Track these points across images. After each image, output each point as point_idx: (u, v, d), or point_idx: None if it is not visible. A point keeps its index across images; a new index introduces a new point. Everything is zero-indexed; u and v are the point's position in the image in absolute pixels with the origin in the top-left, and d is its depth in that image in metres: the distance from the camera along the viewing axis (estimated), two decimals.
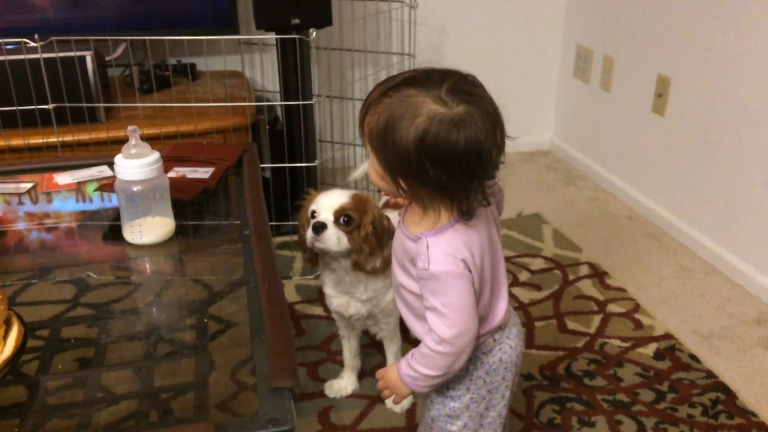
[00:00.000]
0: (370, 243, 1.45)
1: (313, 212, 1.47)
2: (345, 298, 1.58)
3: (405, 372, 1.13)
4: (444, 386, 1.19)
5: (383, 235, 1.47)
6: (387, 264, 1.47)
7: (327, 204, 1.45)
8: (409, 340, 1.93)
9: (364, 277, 1.53)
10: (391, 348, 1.70)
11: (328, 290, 1.60)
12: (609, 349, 1.93)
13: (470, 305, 1.06)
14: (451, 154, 0.96)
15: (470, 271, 1.04)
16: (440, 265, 1.03)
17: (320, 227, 1.43)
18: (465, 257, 1.03)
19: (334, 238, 1.43)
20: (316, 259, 1.55)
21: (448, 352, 1.07)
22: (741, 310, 2.11)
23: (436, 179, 0.98)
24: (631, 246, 2.49)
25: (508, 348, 1.19)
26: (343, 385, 1.77)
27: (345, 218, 1.44)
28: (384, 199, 1.91)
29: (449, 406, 1.20)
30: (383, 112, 0.98)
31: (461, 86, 0.97)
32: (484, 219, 1.08)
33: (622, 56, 2.76)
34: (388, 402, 1.72)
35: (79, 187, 1.43)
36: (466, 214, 1.03)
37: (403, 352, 1.75)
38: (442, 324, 1.05)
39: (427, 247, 1.03)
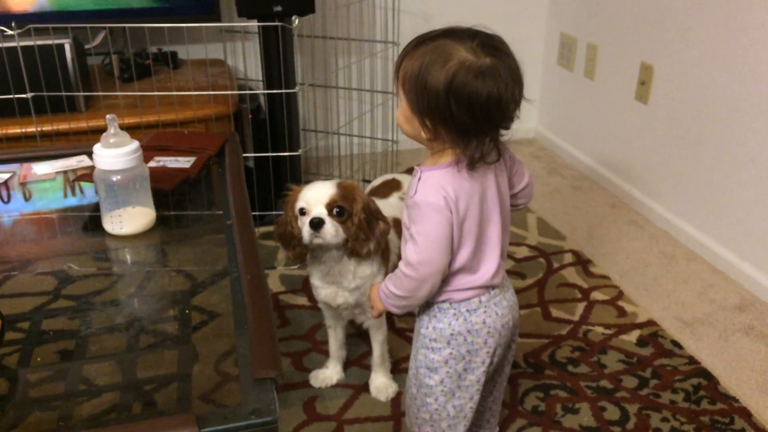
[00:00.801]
0: (364, 228, 1.45)
1: (303, 209, 1.44)
2: (333, 288, 1.58)
3: (381, 288, 1.26)
4: (427, 338, 1.25)
5: (373, 217, 1.48)
6: (379, 245, 1.49)
7: (316, 198, 1.43)
8: (395, 329, 1.93)
9: (352, 266, 1.53)
10: (377, 337, 1.70)
11: (316, 281, 1.59)
12: (593, 337, 1.94)
13: (440, 239, 1.13)
14: (475, 98, 1.04)
15: (450, 211, 1.12)
16: (423, 195, 1.12)
17: (319, 223, 1.41)
18: (447, 195, 1.11)
19: (333, 231, 1.42)
20: (304, 254, 1.53)
21: (411, 275, 1.16)
22: (723, 297, 2.13)
23: (459, 120, 1.06)
24: (615, 234, 2.51)
25: (494, 314, 1.23)
26: (328, 374, 1.77)
27: (338, 209, 1.42)
28: (370, 186, 1.90)
29: (429, 357, 1.25)
30: (419, 57, 1.07)
31: (490, 42, 1.08)
32: (484, 176, 1.15)
33: (605, 44, 2.76)
34: (373, 391, 1.73)
35: (58, 177, 1.41)
36: (472, 162, 1.11)
37: (390, 341, 1.76)
38: (412, 249, 1.15)
39: (419, 179, 1.13)
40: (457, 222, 1.13)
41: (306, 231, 1.42)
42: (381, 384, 1.73)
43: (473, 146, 1.09)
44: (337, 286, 1.57)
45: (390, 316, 1.76)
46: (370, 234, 1.46)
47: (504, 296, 1.25)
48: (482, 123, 1.07)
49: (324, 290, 1.59)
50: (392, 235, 1.58)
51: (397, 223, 1.59)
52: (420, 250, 1.14)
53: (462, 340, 1.23)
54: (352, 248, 1.46)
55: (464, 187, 1.13)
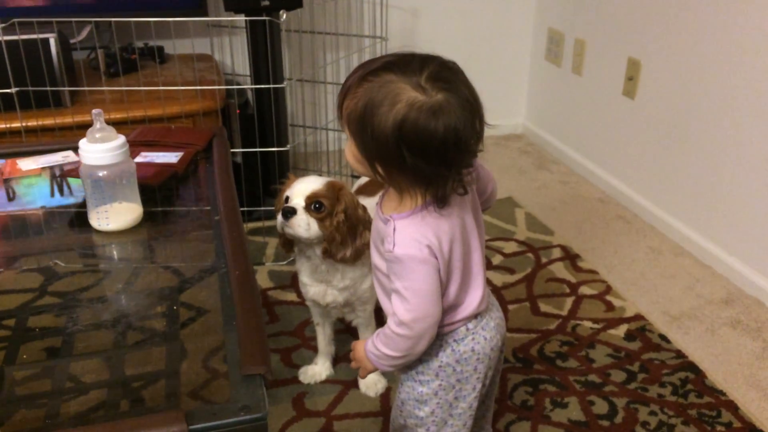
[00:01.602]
0: (342, 231, 1.43)
1: (287, 197, 1.45)
2: (322, 286, 1.57)
3: (369, 350, 1.15)
4: (414, 370, 1.19)
5: (357, 224, 1.46)
6: (357, 254, 1.46)
7: (300, 190, 1.44)
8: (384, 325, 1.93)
9: (341, 266, 1.52)
10: (366, 335, 1.70)
11: (305, 278, 1.59)
12: (581, 331, 1.94)
13: (432, 291, 1.05)
14: (429, 142, 0.95)
15: (436, 257, 1.04)
16: (404, 248, 1.03)
17: (290, 212, 1.41)
18: (431, 243, 1.03)
19: (304, 224, 1.42)
20: (290, 245, 1.53)
21: (407, 335, 1.08)
22: (710, 291, 2.15)
23: (414, 166, 0.97)
24: (603, 229, 2.51)
25: (482, 339, 1.17)
26: (318, 370, 1.77)
27: (316, 204, 1.42)
28: (357, 184, 1.90)
29: (417, 390, 1.20)
30: (362, 98, 0.97)
31: (441, 74, 0.97)
32: (459, 207, 1.08)
33: (593, 39, 2.77)
34: (362, 386, 1.72)
35: (43, 173, 1.40)
36: (440, 201, 1.03)
37: None
38: (402, 307, 1.06)
39: (394, 230, 1.04)
40: (444, 265, 1.05)
41: (278, 219, 1.44)
42: (370, 380, 1.73)
43: (433, 188, 1.01)
44: (326, 285, 1.56)
45: (379, 314, 1.75)
46: (349, 239, 1.44)
47: (490, 317, 1.19)
48: (439, 167, 0.98)
49: (313, 288, 1.58)
50: None
51: None
52: (412, 307, 1.05)
53: (451, 371, 1.17)
54: (325, 248, 1.45)
55: (443, 227, 1.04)
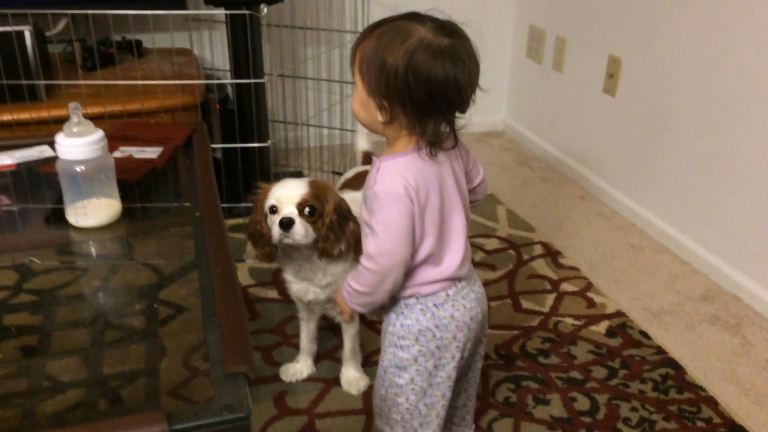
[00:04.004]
0: (335, 230, 1.44)
1: (273, 207, 1.42)
2: (305, 284, 1.57)
3: (344, 288, 1.23)
4: (395, 336, 1.23)
5: (346, 218, 1.46)
6: (350, 245, 1.47)
7: (287, 196, 1.41)
8: (366, 322, 1.92)
9: (323, 264, 1.51)
10: (348, 331, 1.69)
11: (288, 276, 1.58)
12: (562, 328, 1.95)
13: (402, 228, 1.11)
14: (434, 76, 1.04)
15: (411, 201, 1.10)
16: (383, 185, 1.10)
17: (288, 223, 1.39)
18: (408, 184, 1.10)
19: (303, 232, 1.40)
20: (273, 253, 1.51)
21: (373, 269, 1.14)
22: (689, 288, 2.16)
23: (417, 99, 1.05)
24: (584, 225, 2.52)
25: (462, 307, 1.21)
26: (299, 368, 1.76)
27: (309, 209, 1.41)
28: (344, 178, 1.89)
29: (398, 355, 1.23)
30: (376, 38, 1.07)
31: (448, 25, 1.08)
32: (444, 166, 1.14)
33: (574, 37, 2.78)
34: (345, 384, 1.72)
35: (19, 168, 1.37)
36: (432, 144, 1.10)
37: (361, 335, 1.74)
38: (372, 241, 1.13)
39: (378, 169, 1.12)
40: (419, 211, 1.12)
41: (276, 231, 1.40)
42: (352, 377, 1.72)
43: (430, 129, 1.09)
44: (308, 283, 1.56)
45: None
46: (341, 234, 1.45)
47: (472, 289, 1.24)
48: (440, 102, 1.07)
49: (296, 285, 1.58)
50: None
51: None
52: (381, 241, 1.12)
53: (431, 335, 1.21)
54: (322, 249, 1.45)
55: (424, 175, 1.12)
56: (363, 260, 1.15)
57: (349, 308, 1.24)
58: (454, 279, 1.20)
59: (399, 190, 1.09)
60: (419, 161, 1.11)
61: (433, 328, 1.20)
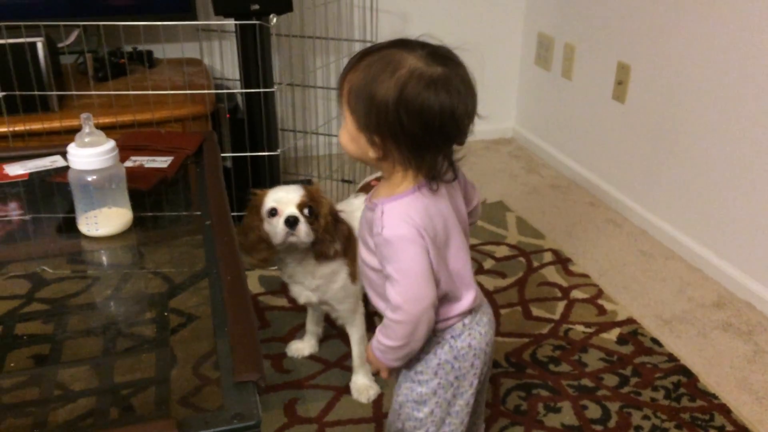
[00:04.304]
0: (330, 231, 1.50)
1: (273, 210, 1.47)
2: (298, 287, 1.63)
3: (375, 346, 1.15)
4: (412, 370, 1.19)
5: (337, 220, 1.53)
6: (342, 246, 1.54)
7: (287, 198, 1.47)
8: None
9: (311, 266, 1.56)
10: (354, 336, 1.71)
11: (286, 279, 1.65)
12: (573, 335, 1.94)
13: (423, 271, 1.05)
14: (427, 109, 0.98)
15: (423, 237, 1.04)
16: (393, 229, 1.04)
17: (294, 221, 1.45)
18: (417, 224, 1.04)
19: (306, 230, 1.46)
20: (273, 257, 1.55)
21: (403, 320, 1.07)
22: (700, 294, 2.15)
23: (411, 134, 0.99)
24: (594, 232, 2.52)
25: (478, 334, 1.18)
26: (301, 347, 1.84)
27: (308, 210, 1.47)
28: (364, 182, 1.91)
29: (416, 391, 1.19)
30: (365, 69, 1.00)
31: (440, 52, 1.01)
32: (445, 200, 1.09)
33: (582, 44, 2.78)
34: (354, 392, 1.71)
35: (31, 178, 1.38)
36: (431, 178, 1.05)
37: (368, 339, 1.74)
38: (395, 291, 1.06)
39: (382, 213, 1.05)
40: (432, 247, 1.06)
41: (281, 229, 1.45)
42: (362, 385, 1.72)
43: (426, 164, 1.03)
44: (301, 286, 1.62)
45: (367, 314, 1.75)
46: (335, 235, 1.51)
47: (483, 312, 1.20)
48: (435, 136, 1.00)
49: (293, 288, 1.65)
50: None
51: None
52: (404, 289, 1.05)
53: (450, 368, 1.17)
54: (319, 250, 1.51)
55: (429, 213, 1.06)
56: (390, 314, 1.08)
57: (384, 365, 1.16)
58: (470, 311, 1.17)
59: (411, 232, 1.03)
60: (422, 199, 1.05)
61: (452, 360, 1.17)
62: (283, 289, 2.10)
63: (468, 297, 1.15)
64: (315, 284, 1.59)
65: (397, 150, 1.02)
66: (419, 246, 1.04)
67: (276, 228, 1.46)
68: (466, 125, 1.02)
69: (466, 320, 1.17)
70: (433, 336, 1.15)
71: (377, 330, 1.14)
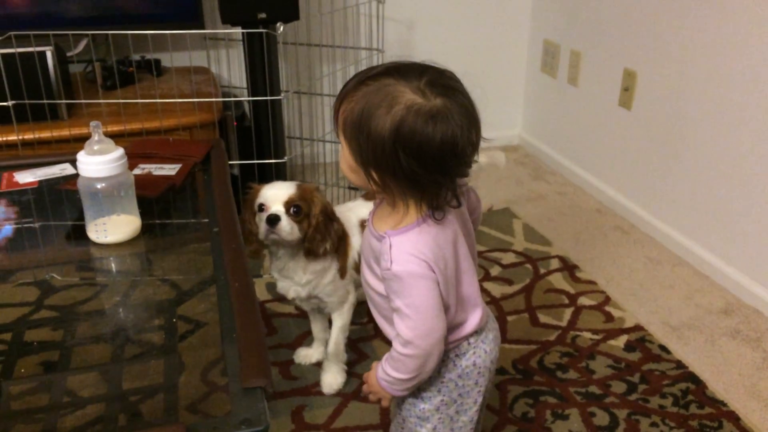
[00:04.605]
0: (321, 230, 1.53)
1: (261, 205, 1.51)
2: (287, 282, 1.65)
3: (380, 377, 1.12)
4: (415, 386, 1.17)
5: (330, 220, 1.55)
6: (333, 244, 1.56)
7: (275, 196, 1.50)
8: (379, 333, 1.92)
9: (303, 263, 1.58)
10: (336, 322, 1.73)
11: (275, 274, 1.66)
12: (581, 342, 1.94)
13: (434, 306, 1.03)
14: (426, 146, 0.93)
15: (433, 271, 1.02)
16: (402, 265, 1.01)
17: (275, 219, 1.48)
18: (427, 258, 1.01)
19: (288, 229, 1.49)
20: (260, 250, 1.59)
21: (414, 354, 1.05)
22: (709, 301, 2.14)
23: (410, 171, 0.95)
24: (601, 239, 2.51)
25: (483, 353, 1.16)
26: (310, 353, 1.85)
27: (295, 209, 1.50)
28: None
29: (419, 407, 1.18)
30: (359, 101, 0.95)
31: (440, 80, 0.96)
32: (452, 225, 1.06)
33: (588, 51, 2.78)
34: (324, 381, 1.74)
35: (40, 186, 1.39)
36: (436, 210, 1.02)
37: (378, 347, 1.75)
38: (405, 326, 1.04)
39: (390, 246, 1.01)
40: (442, 278, 1.03)
41: (263, 227, 1.49)
42: (330, 376, 1.75)
43: (428, 197, 1.00)
44: (290, 281, 1.64)
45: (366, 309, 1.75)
46: (326, 234, 1.54)
47: (488, 329, 1.18)
48: (435, 174, 0.96)
49: (280, 283, 1.67)
50: (357, 234, 1.66)
51: (362, 223, 1.67)
52: (415, 324, 1.03)
53: (453, 385, 1.16)
54: (308, 248, 1.54)
55: (438, 243, 1.03)
56: (400, 348, 1.05)
57: (389, 394, 1.14)
58: (476, 331, 1.15)
59: (422, 267, 1.00)
60: (429, 230, 1.02)
61: (456, 378, 1.16)
62: None
63: (474, 318, 1.13)
64: (306, 279, 1.61)
65: (397, 186, 0.99)
66: (430, 280, 1.02)
67: (260, 224, 1.50)
68: (469, 155, 0.98)
69: (472, 339, 1.15)
70: None
71: (384, 361, 1.11)
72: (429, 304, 1.03)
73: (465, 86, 0.99)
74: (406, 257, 1.00)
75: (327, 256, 1.59)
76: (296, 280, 1.62)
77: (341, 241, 1.61)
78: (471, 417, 1.20)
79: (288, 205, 1.49)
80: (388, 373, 1.10)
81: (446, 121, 0.93)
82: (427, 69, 0.96)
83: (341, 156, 1.03)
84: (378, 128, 0.93)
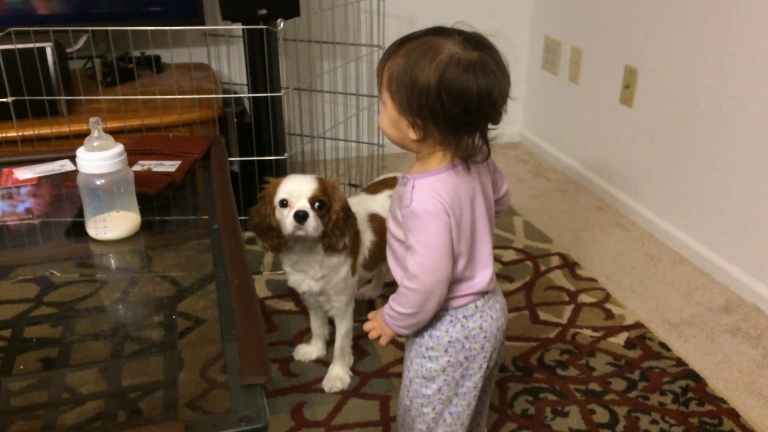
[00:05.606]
0: (340, 226, 1.52)
1: (284, 200, 1.48)
2: (300, 275, 1.63)
3: (386, 311, 1.19)
4: (423, 347, 1.22)
5: (348, 215, 1.55)
6: (351, 239, 1.57)
7: (299, 191, 1.48)
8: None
9: (320, 257, 1.58)
10: (340, 329, 1.74)
11: (287, 268, 1.65)
12: (581, 339, 1.94)
13: (443, 246, 1.10)
14: (467, 91, 1.03)
15: (448, 215, 1.09)
16: (420, 203, 1.09)
17: (303, 216, 1.46)
18: (444, 200, 1.09)
19: (315, 224, 1.47)
20: (282, 245, 1.57)
21: (417, 288, 1.12)
22: (709, 299, 2.14)
23: (451, 114, 1.04)
24: (601, 236, 2.51)
25: (490, 318, 1.21)
26: (309, 350, 1.85)
27: (319, 204, 1.48)
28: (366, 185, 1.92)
29: (426, 366, 1.22)
30: (405, 55, 1.05)
31: (475, 37, 1.07)
32: (475, 181, 1.14)
33: (589, 47, 2.77)
34: (325, 381, 1.74)
35: (40, 182, 1.39)
36: (466, 157, 1.09)
37: (355, 333, 1.75)
38: (414, 260, 1.11)
39: (413, 187, 1.10)
40: (455, 226, 1.11)
41: (290, 222, 1.47)
42: (334, 375, 1.76)
43: (464, 144, 1.08)
44: (303, 275, 1.62)
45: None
46: (345, 230, 1.54)
47: (496, 299, 1.24)
48: (474, 116, 1.05)
49: (293, 276, 1.65)
50: (366, 230, 1.67)
51: (374, 219, 1.69)
52: (422, 260, 1.10)
53: (460, 347, 1.21)
54: (329, 244, 1.53)
55: (458, 192, 1.11)
56: (405, 281, 1.14)
57: (390, 332, 1.21)
58: (483, 292, 1.21)
59: (437, 206, 1.09)
60: (454, 178, 1.11)
61: (463, 339, 1.20)
62: (290, 292, 2.11)
63: (484, 277, 1.19)
64: (321, 274, 1.60)
65: (438, 131, 1.07)
66: (443, 222, 1.09)
67: (285, 220, 1.47)
68: (501, 105, 1.07)
69: (479, 302, 1.21)
70: (446, 314, 1.20)
71: (391, 298, 1.19)
72: (438, 242, 1.10)
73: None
74: (425, 197, 1.09)
75: (343, 252, 1.58)
76: (311, 274, 1.61)
77: (356, 236, 1.61)
78: (475, 383, 1.24)
79: (312, 200, 1.47)
80: (392, 308, 1.17)
81: (483, 70, 1.04)
82: (461, 30, 1.08)
83: (382, 114, 1.12)
84: (424, 75, 1.03)
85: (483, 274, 1.19)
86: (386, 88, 1.08)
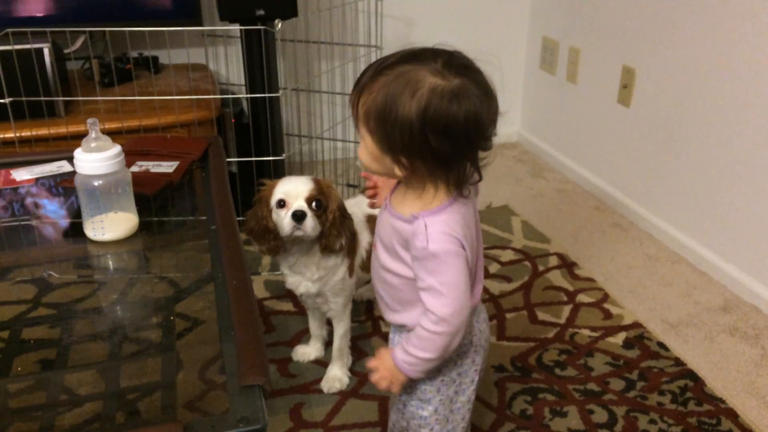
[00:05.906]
0: (337, 226, 1.52)
1: (282, 201, 1.49)
2: (297, 277, 1.64)
3: (402, 358, 1.11)
4: None
5: (344, 216, 1.55)
6: (347, 239, 1.56)
7: (296, 191, 1.48)
8: (383, 335, 1.92)
9: (317, 258, 1.58)
10: (338, 330, 1.74)
11: (284, 270, 1.65)
12: (579, 339, 1.94)
13: (465, 283, 1.06)
14: (453, 124, 0.97)
15: (464, 248, 1.05)
16: (439, 243, 1.03)
17: (301, 216, 1.46)
18: (459, 236, 1.04)
19: (312, 224, 1.48)
20: (279, 247, 1.56)
21: (446, 331, 1.07)
22: (707, 298, 2.14)
23: (439, 150, 0.99)
24: (599, 236, 2.51)
25: (478, 331, 1.20)
26: (308, 351, 1.85)
27: (316, 203, 1.48)
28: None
29: (421, 388, 1.20)
30: (380, 90, 0.98)
31: (455, 60, 1.00)
32: (471, 203, 1.11)
33: (587, 48, 2.78)
34: (323, 382, 1.74)
35: (38, 183, 1.39)
36: (460, 186, 1.05)
37: (354, 334, 1.75)
38: (440, 303, 1.05)
39: (426, 226, 1.04)
40: (471, 255, 1.07)
41: (287, 223, 1.47)
42: (333, 376, 1.76)
43: (454, 174, 1.03)
44: (300, 276, 1.62)
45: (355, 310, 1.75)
46: (342, 230, 1.54)
47: (481, 309, 1.22)
48: (463, 148, 1.01)
49: (290, 278, 1.65)
50: (364, 231, 1.67)
51: (372, 220, 1.67)
52: (449, 301, 1.05)
53: (452, 364, 1.18)
54: (326, 244, 1.53)
55: (466, 222, 1.07)
56: (431, 326, 1.06)
57: (404, 378, 1.13)
58: (474, 306, 1.18)
59: (455, 244, 1.04)
60: (460, 207, 1.06)
61: (454, 357, 1.18)
62: (289, 293, 2.11)
63: (476, 291, 1.16)
64: (318, 275, 1.60)
65: (425, 167, 1.02)
66: (462, 258, 1.05)
67: (283, 220, 1.47)
68: (491, 130, 1.02)
69: (470, 318, 1.17)
70: None
71: (405, 343, 1.11)
72: (462, 281, 1.05)
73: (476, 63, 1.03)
74: (442, 236, 1.04)
75: (340, 253, 1.59)
76: (308, 275, 1.61)
77: (353, 237, 1.61)
78: (468, 397, 1.23)
79: (309, 200, 1.48)
80: (412, 354, 1.09)
81: (468, 98, 0.98)
82: (439, 53, 1.00)
83: (361, 148, 1.05)
84: (405, 113, 0.97)
85: (477, 289, 1.16)
86: (363, 125, 1.01)
